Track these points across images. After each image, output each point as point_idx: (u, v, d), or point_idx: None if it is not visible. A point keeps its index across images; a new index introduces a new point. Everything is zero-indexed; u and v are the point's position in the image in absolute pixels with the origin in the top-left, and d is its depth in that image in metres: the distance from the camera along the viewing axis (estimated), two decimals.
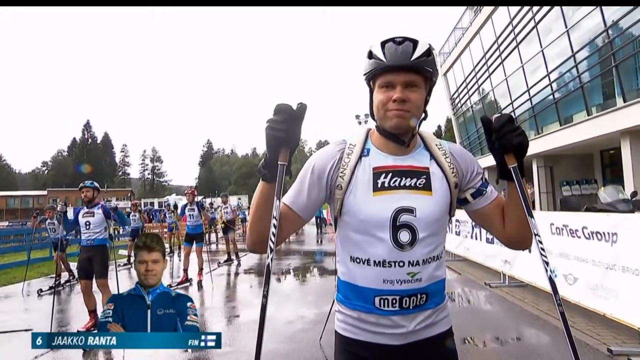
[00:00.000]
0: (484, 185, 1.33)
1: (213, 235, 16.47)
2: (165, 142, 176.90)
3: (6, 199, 66.83)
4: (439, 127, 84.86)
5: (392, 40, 1.22)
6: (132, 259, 8.83)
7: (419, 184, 1.25)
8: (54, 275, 8.53)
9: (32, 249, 11.92)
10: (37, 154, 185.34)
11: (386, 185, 1.24)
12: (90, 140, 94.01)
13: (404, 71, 1.19)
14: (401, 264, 1.21)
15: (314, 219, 29.84)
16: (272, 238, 1.16)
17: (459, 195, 1.32)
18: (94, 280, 5.23)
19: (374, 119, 1.31)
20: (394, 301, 1.22)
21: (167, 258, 10.92)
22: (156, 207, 50.82)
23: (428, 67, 1.20)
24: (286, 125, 1.13)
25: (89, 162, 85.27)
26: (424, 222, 1.22)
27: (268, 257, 1.17)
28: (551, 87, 15.25)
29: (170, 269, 11.04)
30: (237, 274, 9.71)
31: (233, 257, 11.24)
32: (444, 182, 1.27)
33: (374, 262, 1.22)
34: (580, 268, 4.79)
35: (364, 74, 1.28)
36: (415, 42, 1.20)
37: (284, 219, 1.23)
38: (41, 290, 7.97)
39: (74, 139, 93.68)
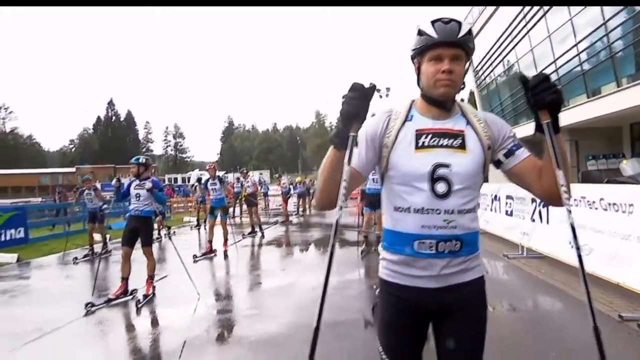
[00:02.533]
0: (516, 146, 1.50)
1: (238, 209, 16.87)
2: (187, 119, 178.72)
3: (38, 177, 69.26)
4: (462, 100, 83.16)
5: (440, 20, 1.41)
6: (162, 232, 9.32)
7: (455, 143, 1.45)
8: (88, 246, 9.09)
9: (70, 222, 12.60)
10: (65, 133, 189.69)
11: (426, 144, 1.45)
12: (114, 117, 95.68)
13: (452, 46, 1.39)
14: (438, 211, 1.41)
15: None
16: (342, 197, 1.36)
17: (493, 157, 1.51)
18: (134, 249, 5.61)
19: (420, 87, 1.51)
20: (430, 245, 1.42)
21: (196, 230, 11.39)
22: (179, 182, 51.95)
23: (470, 44, 1.42)
24: (359, 101, 1.32)
25: (113, 139, 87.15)
26: (458, 176, 1.42)
27: (337, 213, 1.37)
28: (579, 57, 14.75)
29: (199, 240, 11.51)
30: (260, 245, 10.07)
31: (257, 229, 11.61)
32: (477, 143, 1.46)
33: (414, 209, 1.43)
34: (596, 239, 4.87)
35: (414, 49, 1.47)
36: (460, 23, 1.40)
37: (350, 178, 1.39)
38: (76, 259, 8.49)
39: (99, 117, 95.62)
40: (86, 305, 5.04)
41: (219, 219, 8.95)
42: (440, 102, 1.46)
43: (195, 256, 8.14)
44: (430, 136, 1.46)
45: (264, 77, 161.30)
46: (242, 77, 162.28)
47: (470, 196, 1.46)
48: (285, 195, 16.49)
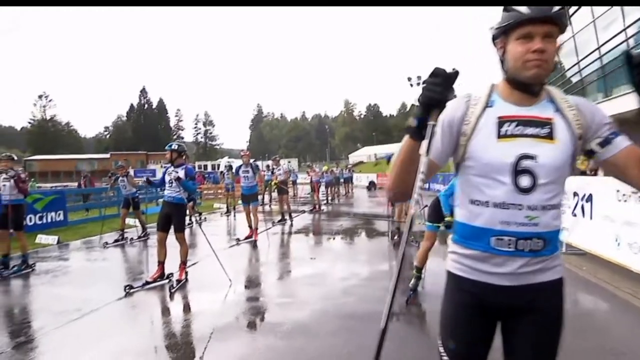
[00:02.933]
0: (613, 134, 1.34)
1: (267, 197, 16.98)
2: (217, 107, 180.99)
3: (75, 162, 71.89)
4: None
5: None
6: (193, 218, 9.46)
7: (542, 133, 1.32)
8: (120, 230, 9.30)
9: (105, 207, 13.02)
10: (100, 120, 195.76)
11: (510, 132, 1.32)
12: (146, 105, 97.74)
13: (544, 23, 1.26)
14: (519, 207, 1.29)
15: (367, 183, 29.99)
16: (418, 190, 1.24)
17: (585, 147, 1.36)
18: (168, 234, 5.70)
19: (504, 71, 1.37)
20: (509, 242, 1.31)
21: (225, 217, 11.52)
22: (209, 169, 52.82)
23: (564, 19, 1.28)
24: (442, 88, 1.19)
25: (145, 126, 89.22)
26: (544, 169, 1.29)
27: (413, 208, 1.24)
28: (627, 43, 13.98)
29: (228, 227, 11.67)
30: (290, 233, 10.10)
31: (286, 217, 11.65)
32: (567, 132, 1.33)
33: (493, 203, 1.31)
34: None
35: (499, 27, 1.34)
36: None
37: (427, 169, 1.28)
38: (107, 243, 8.74)
39: (132, 104, 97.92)
40: (125, 287, 5.17)
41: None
42: (527, 86, 1.33)
43: (238, 239, 8.49)
44: (514, 124, 1.33)
45: (293, 66, 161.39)
46: (271, 65, 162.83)
47: (556, 191, 1.33)
48: (317, 184, 16.40)
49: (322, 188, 18.57)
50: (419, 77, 44.22)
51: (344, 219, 12.54)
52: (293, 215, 12.08)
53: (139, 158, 69.20)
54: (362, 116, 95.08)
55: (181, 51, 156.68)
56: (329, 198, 18.66)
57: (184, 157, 6.00)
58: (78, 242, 9.35)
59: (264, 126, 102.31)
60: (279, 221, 11.40)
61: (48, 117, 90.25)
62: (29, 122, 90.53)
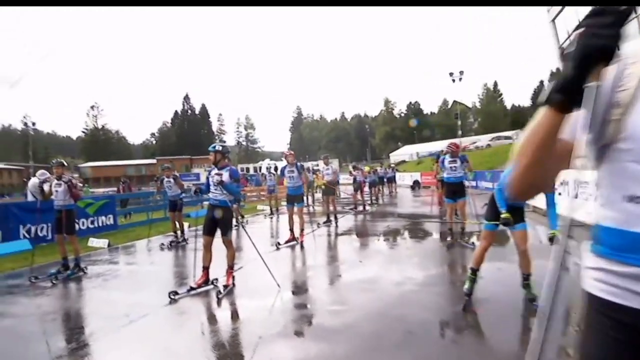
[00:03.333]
0: None
1: (310, 198, 16.77)
2: (258, 110, 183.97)
3: (124, 168, 75.29)
4: (541, 82, 76.82)
5: None
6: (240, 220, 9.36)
7: None
8: (172, 233, 9.37)
9: (152, 210, 13.26)
10: (146, 127, 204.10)
11: None
12: (189, 111, 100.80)
13: None
14: None
15: (411, 182, 29.21)
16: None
17: None
18: (214, 238, 5.54)
19: None
20: None
21: (269, 219, 11.39)
22: (251, 172, 53.56)
23: None
24: (614, 30, 0.83)
25: (189, 131, 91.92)
26: None
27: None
28: None
29: (271, 229, 11.53)
30: (337, 235, 9.80)
31: (332, 218, 11.37)
32: None
33: None
34: None
35: None
36: None
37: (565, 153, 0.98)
38: (163, 244, 8.76)
39: (176, 111, 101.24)
40: (170, 293, 5.06)
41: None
42: None
43: (278, 244, 8.14)
44: None
45: (331, 67, 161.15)
46: (310, 67, 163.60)
47: None
48: (363, 183, 15.86)
49: (366, 188, 18.18)
50: (460, 72, 42.48)
51: (390, 219, 12.12)
52: (338, 216, 11.78)
53: (184, 162, 71.15)
54: (402, 114, 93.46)
55: (221, 57, 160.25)
56: (373, 198, 18.17)
57: (227, 159, 5.83)
58: (127, 245, 9.50)
59: (303, 128, 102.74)
60: (324, 223, 11.13)
61: (99, 126, 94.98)
62: (83, 132, 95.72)
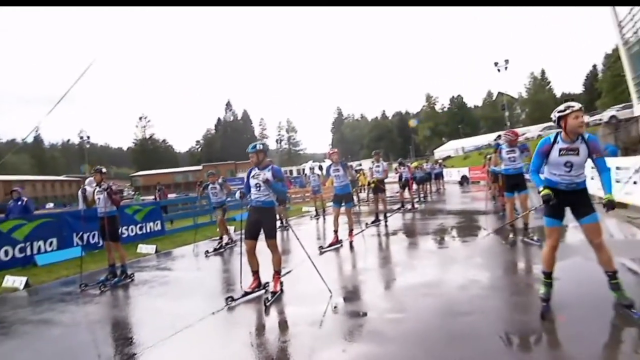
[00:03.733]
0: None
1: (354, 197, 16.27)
2: (298, 113, 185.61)
3: (172, 175, 78.16)
4: (594, 66, 72.14)
5: None
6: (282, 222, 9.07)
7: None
8: (219, 238, 9.24)
9: (197, 215, 13.30)
10: (191, 135, 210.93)
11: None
12: (232, 117, 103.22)
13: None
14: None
15: (459, 177, 28.08)
16: None
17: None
18: (257, 241, 5.22)
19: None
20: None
21: (314, 220, 11.03)
22: (295, 174, 53.70)
23: None
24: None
25: (232, 137, 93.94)
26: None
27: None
28: None
29: (317, 231, 11.19)
30: (387, 234, 9.28)
31: (380, 217, 10.86)
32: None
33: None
34: None
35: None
36: None
37: None
38: (208, 252, 8.64)
39: (219, 118, 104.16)
40: (227, 299, 4.84)
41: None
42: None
43: (321, 247, 7.70)
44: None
45: (370, 65, 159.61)
46: (349, 67, 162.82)
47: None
48: (411, 180, 15.13)
49: (414, 185, 17.34)
50: (506, 61, 40.35)
51: (442, 217, 11.42)
52: (387, 215, 11.24)
53: (229, 168, 72.56)
54: (445, 108, 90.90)
55: (261, 62, 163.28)
56: (422, 195, 17.32)
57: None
58: (175, 250, 9.48)
59: (344, 128, 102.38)
60: (373, 222, 10.63)
61: (147, 136, 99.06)
62: (133, 142, 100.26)
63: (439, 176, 22.39)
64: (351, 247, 7.85)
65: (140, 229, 11.23)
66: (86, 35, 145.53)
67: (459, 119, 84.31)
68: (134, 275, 6.70)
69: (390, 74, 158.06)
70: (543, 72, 79.22)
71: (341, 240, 8.04)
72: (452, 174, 30.22)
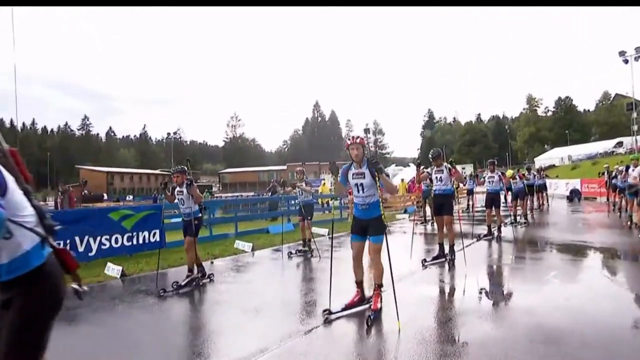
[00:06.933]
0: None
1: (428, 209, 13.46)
2: (387, 115, 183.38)
3: (257, 174, 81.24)
4: None
5: None
6: None
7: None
8: (303, 241, 8.64)
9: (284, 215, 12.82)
10: (280, 135, 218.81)
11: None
12: (319, 118, 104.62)
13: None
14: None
15: (567, 191, 23.49)
16: None
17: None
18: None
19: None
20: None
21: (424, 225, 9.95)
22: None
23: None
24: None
25: (319, 138, 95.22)
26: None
27: None
28: None
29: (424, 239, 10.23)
30: (501, 251, 8.17)
31: (494, 230, 9.56)
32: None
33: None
34: None
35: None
36: None
37: None
38: (290, 253, 8.24)
39: (306, 118, 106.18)
40: (324, 312, 4.27)
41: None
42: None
43: (424, 261, 6.78)
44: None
45: (465, 66, 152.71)
46: (442, 68, 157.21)
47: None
48: (506, 193, 12.50)
49: (508, 199, 13.61)
50: (636, 50, 30.66)
51: (552, 253, 8.28)
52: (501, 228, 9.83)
53: (312, 169, 73.22)
54: (549, 112, 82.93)
55: (350, 63, 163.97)
56: (518, 215, 12.67)
57: None
58: (265, 250, 9.26)
59: (435, 131, 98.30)
60: (484, 236, 9.40)
61: (238, 135, 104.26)
62: (224, 140, 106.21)
63: (542, 189, 18.04)
64: (452, 263, 6.78)
65: (129, 239, 8.96)
66: (191, 39, 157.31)
67: (567, 124, 76.36)
68: (213, 276, 6.39)
69: (488, 75, 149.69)
70: None
71: (446, 254, 6.95)
72: (557, 186, 26.06)
